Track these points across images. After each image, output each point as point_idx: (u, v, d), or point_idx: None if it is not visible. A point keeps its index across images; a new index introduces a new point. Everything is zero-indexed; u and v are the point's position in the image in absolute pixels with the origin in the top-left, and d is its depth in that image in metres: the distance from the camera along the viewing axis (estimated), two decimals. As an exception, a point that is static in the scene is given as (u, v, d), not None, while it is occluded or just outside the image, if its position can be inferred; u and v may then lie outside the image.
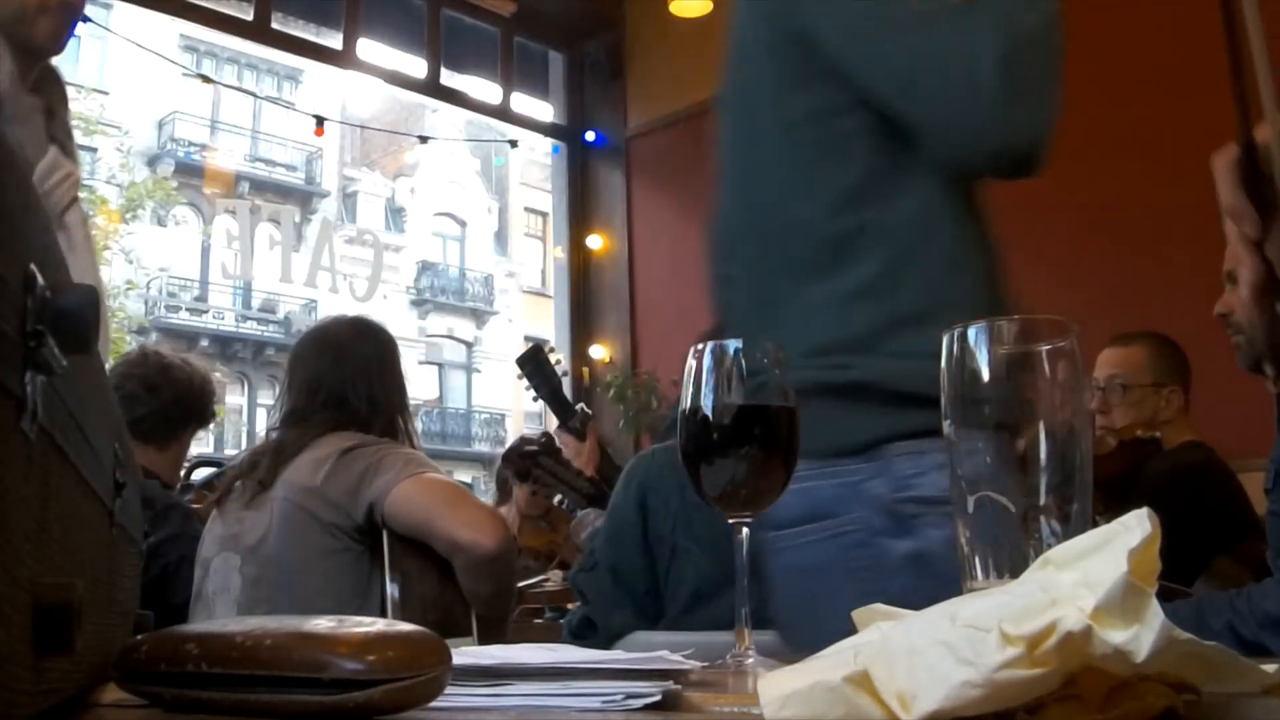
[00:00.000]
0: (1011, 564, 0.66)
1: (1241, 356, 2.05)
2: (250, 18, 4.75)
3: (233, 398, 17.98)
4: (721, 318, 1.29)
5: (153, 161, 18.32)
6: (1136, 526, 0.47)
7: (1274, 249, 0.92)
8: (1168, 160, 3.63)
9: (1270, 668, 0.49)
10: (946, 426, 0.70)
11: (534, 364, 3.30)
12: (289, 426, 2.05)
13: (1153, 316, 2.99)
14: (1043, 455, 0.67)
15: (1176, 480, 2.40)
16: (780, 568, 1.19)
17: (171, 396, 2.61)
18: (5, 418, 0.38)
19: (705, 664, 0.82)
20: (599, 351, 5.77)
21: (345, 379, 2.07)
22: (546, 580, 3.33)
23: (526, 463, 3.06)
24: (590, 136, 5.93)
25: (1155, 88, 3.70)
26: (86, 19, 5.33)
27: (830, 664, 0.49)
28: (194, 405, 2.65)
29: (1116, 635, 0.42)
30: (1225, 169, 0.92)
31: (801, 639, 1.02)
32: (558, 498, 3.18)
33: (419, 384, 20.17)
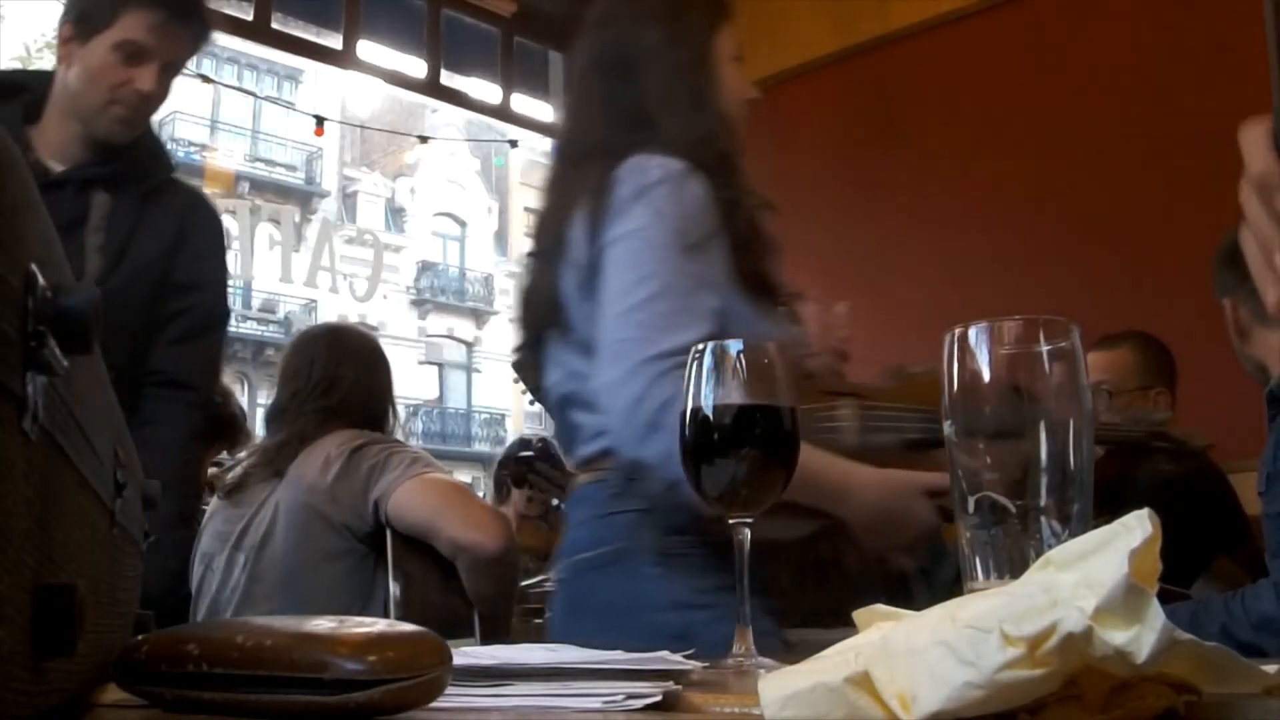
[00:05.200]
0: (1012, 564, 0.66)
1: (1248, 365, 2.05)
2: (250, 18, 4.75)
3: (232, 398, 17.97)
4: None
5: (153, 161, 18.26)
6: (1137, 527, 0.47)
7: None
8: (1153, 155, 3.63)
9: (1270, 668, 0.49)
10: (947, 427, 0.70)
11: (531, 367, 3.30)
12: (299, 418, 2.06)
13: (1138, 315, 2.99)
14: (1043, 455, 0.67)
15: (1168, 483, 2.39)
16: None
17: None
18: (6, 418, 0.38)
19: (706, 664, 0.82)
20: (599, 351, 5.76)
21: (357, 378, 2.10)
22: (546, 580, 3.33)
23: (522, 468, 3.07)
24: (590, 136, 5.92)
25: (1141, 87, 3.70)
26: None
27: (831, 665, 0.49)
28: None
29: (1117, 636, 0.42)
30: (1257, 136, 0.78)
31: None
32: (555, 501, 3.19)
33: (419, 384, 20.18)
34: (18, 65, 15.07)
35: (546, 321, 1.46)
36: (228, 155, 19.27)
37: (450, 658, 0.57)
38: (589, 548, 1.42)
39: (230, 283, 1.99)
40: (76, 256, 1.64)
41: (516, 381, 3.41)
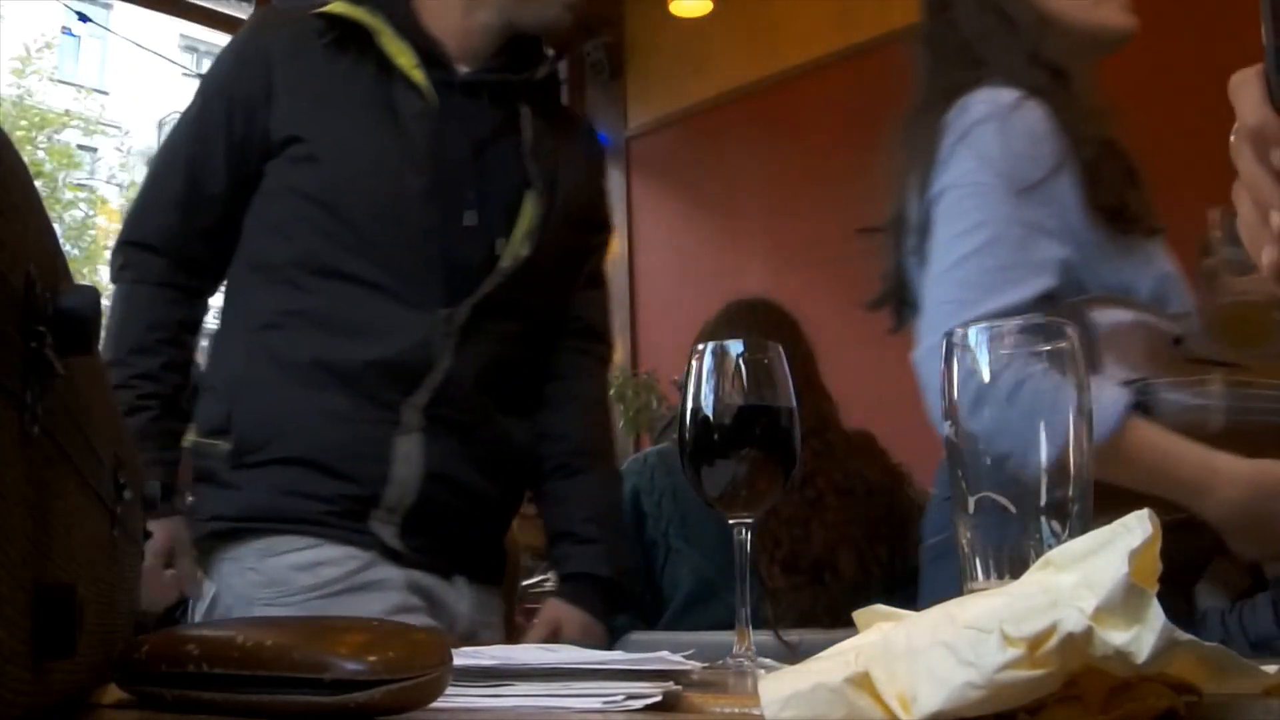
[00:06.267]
0: (1012, 565, 0.66)
1: None
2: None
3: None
4: None
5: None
6: (1137, 527, 0.47)
7: None
8: (1152, 153, 3.62)
9: (1271, 669, 0.49)
10: (947, 427, 0.70)
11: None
12: None
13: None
14: (1043, 456, 0.67)
15: None
16: None
17: None
18: (6, 418, 0.38)
19: (706, 664, 0.82)
20: (599, 351, 5.76)
21: None
22: (546, 580, 3.33)
23: None
24: (590, 136, 5.92)
25: (1140, 85, 3.70)
26: (85, 19, 5.31)
27: (831, 665, 0.49)
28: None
29: (1117, 636, 0.42)
30: (1249, 86, 0.72)
31: None
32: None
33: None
34: (18, 65, 15.07)
35: (895, 298, 1.34)
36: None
37: (450, 658, 0.57)
38: (930, 533, 1.32)
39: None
40: (512, 171, 1.40)
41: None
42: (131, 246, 1.44)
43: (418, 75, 1.37)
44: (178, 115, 1.48)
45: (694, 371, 0.89)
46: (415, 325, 1.33)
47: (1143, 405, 1.15)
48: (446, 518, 1.35)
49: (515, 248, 1.38)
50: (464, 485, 1.36)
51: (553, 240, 1.42)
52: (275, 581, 1.32)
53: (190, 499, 1.41)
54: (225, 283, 1.47)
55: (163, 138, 1.52)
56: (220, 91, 1.41)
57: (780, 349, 0.91)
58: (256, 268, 1.40)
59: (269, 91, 1.37)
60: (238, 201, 1.40)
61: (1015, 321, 0.70)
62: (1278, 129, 0.66)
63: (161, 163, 1.46)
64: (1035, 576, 0.49)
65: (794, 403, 0.90)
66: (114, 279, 1.46)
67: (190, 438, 1.40)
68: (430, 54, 1.39)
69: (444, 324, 1.34)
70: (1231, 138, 0.70)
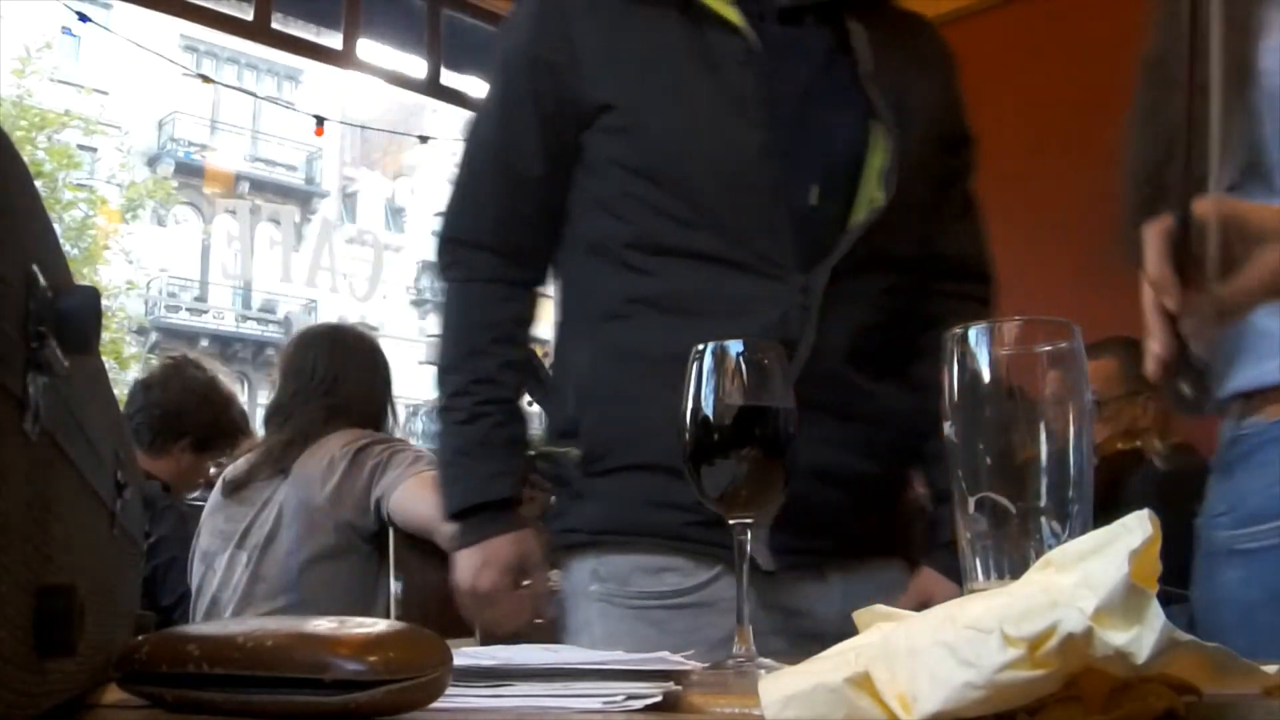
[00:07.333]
0: (1012, 565, 0.66)
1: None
2: (250, 18, 4.75)
3: (232, 398, 18.07)
4: None
5: (153, 161, 18.32)
6: (1137, 528, 0.47)
7: (1189, 326, 0.92)
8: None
9: (1271, 668, 0.49)
10: (948, 428, 0.70)
11: (528, 369, 3.30)
12: (302, 416, 2.06)
13: (1121, 318, 2.98)
14: (1044, 456, 0.67)
15: (1163, 487, 2.38)
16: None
17: (163, 402, 2.55)
18: (7, 419, 0.38)
19: (706, 665, 0.82)
20: (599, 351, 5.75)
21: (359, 376, 2.10)
22: (548, 580, 3.33)
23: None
24: (590, 136, 5.90)
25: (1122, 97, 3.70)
26: (85, 19, 5.33)
27: (831, 665, 0.49)
28: (187, 423, 2.55)
29: (1118, 636, 0.42)
30: (1157, 238, 0.92)
31: None
32: (553, 499, 3.18)
33: (419, 384, 20.17)
34: (18, 65, 15.08)
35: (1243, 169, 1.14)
36: (228, 155, 19.29)
37: (451, 658, 0.57)
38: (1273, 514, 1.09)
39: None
40: (853, 102, 1.23)
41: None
42: (455, 243, 1.35)
43: (731, 13, 1.20)
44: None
45: (694, 371, 0.89)
46: (771, 299, 1.18)
47: None
48: (824, 512, 1.19)
49: (868, 193, 1.22)
50: (842, 473, 1.19)
51: (913, 174, 1.24)
52: (613, 576, 1.25)
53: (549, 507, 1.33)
54: (562, 270, 1.35)
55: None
56: (521, 63, 1.28)
57: (781, 348, 0.91)
58: (593, 251, 1.27)
59: (573, 54, 1.23)
60: (558, 180, 1.28)
61: (1017, 320, 0.70)
62: (1169, 284, 0.92)
63: (472, 150, 1.35)
64: (1035, 576, 0.49)
65: (794, 403, 0.90)
66: (441, 278, 1.38)
67: (541, 444, 1.34)
68: None
69: (800, 294, 1.18)
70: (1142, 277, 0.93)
